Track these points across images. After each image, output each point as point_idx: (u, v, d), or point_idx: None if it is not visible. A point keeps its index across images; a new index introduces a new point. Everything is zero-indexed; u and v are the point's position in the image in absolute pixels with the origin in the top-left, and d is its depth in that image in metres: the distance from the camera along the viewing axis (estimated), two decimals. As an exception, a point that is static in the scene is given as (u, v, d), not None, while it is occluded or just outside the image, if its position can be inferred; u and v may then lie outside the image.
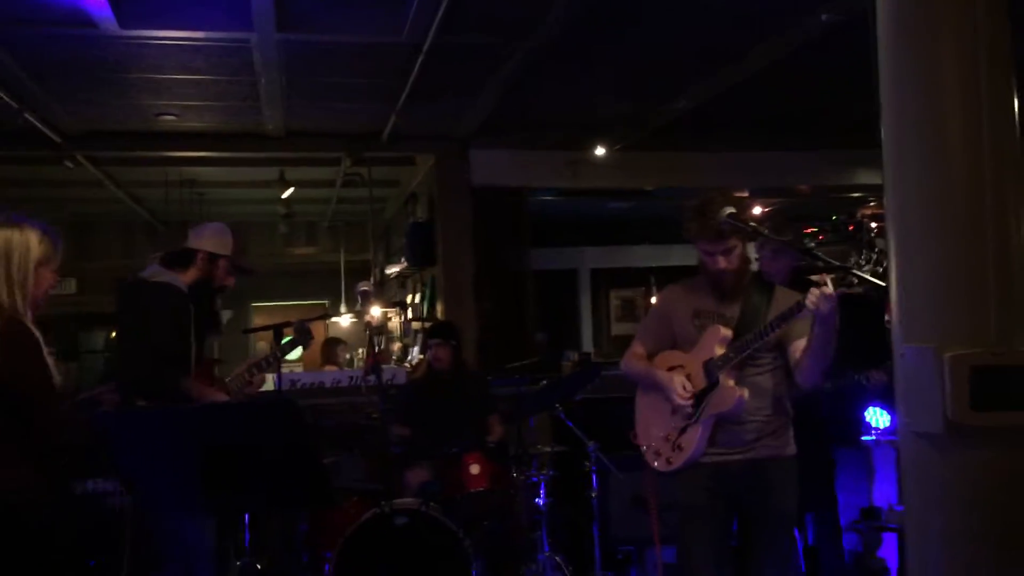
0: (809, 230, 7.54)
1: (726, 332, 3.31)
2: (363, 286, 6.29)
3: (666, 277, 8.53)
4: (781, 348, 3.33)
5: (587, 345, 12.28)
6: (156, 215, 11.29)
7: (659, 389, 3.43)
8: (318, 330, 7.86)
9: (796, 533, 4.01)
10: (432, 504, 4.38)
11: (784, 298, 3.31)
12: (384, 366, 5.67)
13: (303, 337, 4.44)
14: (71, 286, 11.67)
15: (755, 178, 8.51)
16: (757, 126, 8.02)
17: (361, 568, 4.22)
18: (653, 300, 11.57)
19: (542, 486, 4.83)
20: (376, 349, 5.10)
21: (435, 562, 4.27)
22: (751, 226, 3.30)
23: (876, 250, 2.86)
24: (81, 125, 7.11)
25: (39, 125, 6.72)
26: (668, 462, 3.42)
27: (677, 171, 8.49)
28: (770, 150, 8.39)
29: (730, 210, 3.19)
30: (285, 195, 9.63)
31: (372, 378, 4.90)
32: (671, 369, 3.41)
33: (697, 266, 3.46)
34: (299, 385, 6.64)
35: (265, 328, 4.54)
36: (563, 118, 7.49)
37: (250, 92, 6.33)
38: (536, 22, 5.05)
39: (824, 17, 4.97)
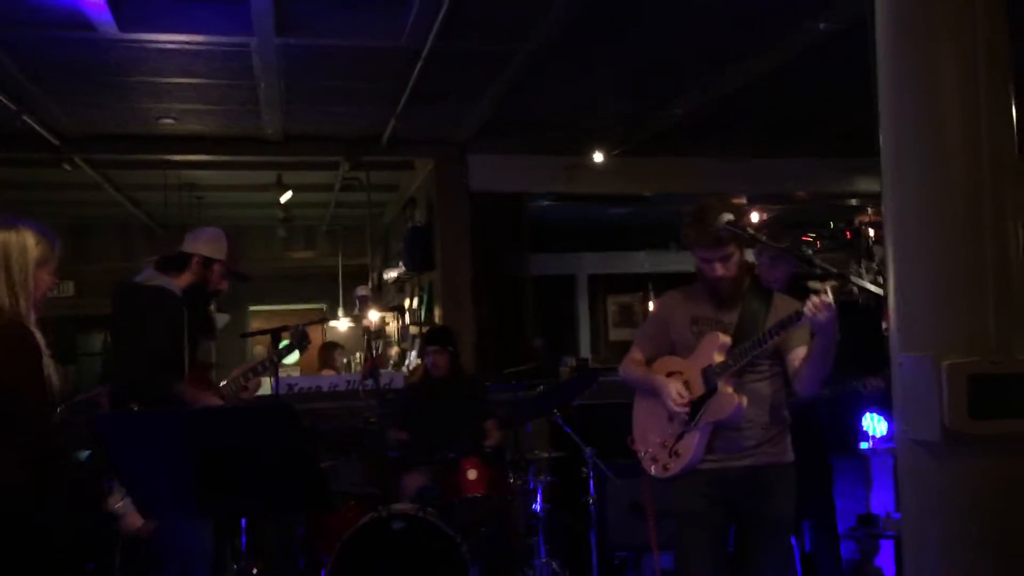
0: (807, 237, 7.56)
1: (725, 339, 3.31)
2: (361, 290, 6.30)
3: (664, 283, 8.52)
4: (779, 355, 3.33)
5: (585, 351, 12.28)
6: (155, 218, 11.29)
7: (657, 395, 3.43)
8: (316, 334, 7.87)
9: (793, 540, 4.00)
10: (429, 509, 4.38)
11: (783, 305, 3.32)
12: (382, 370, 5.66)
13: (300, 342, 4.43)
14: (69, 289, 11.66)
15: (753, 184, 8.53)
16: (756, 132, 8.03)
17: (358, 572, 4.22)
18: (651, 306, 11.59)
19: (539, 491, 4.82)
20: (374, 353, 5.10)
21: (432, 567, 4.27)
22: (749, 233, 3.30)
23: (877, 261, 2.87)
24: (80, 128, 7.11)
25: (38, 127, 6.72)
26: (665, 468, 3.41)
27: (675, 177, 8.49)
28: (768, 157, 8.40)
29: (728, 217, 3.19)
30: (284, 199, 9.62)
31: (370, 382, 4.90)
32: (669, 375, 3.41)
33: (695, 273, 3.46)
34: (296, 389, 6.64)
35: (263, 332, 4.54)
36: (562, 123, 7.49)
37: (249, 96, 6.34)
38: (535, 26, 5.06)
39: (822, 26, 4.99)
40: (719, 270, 3.30)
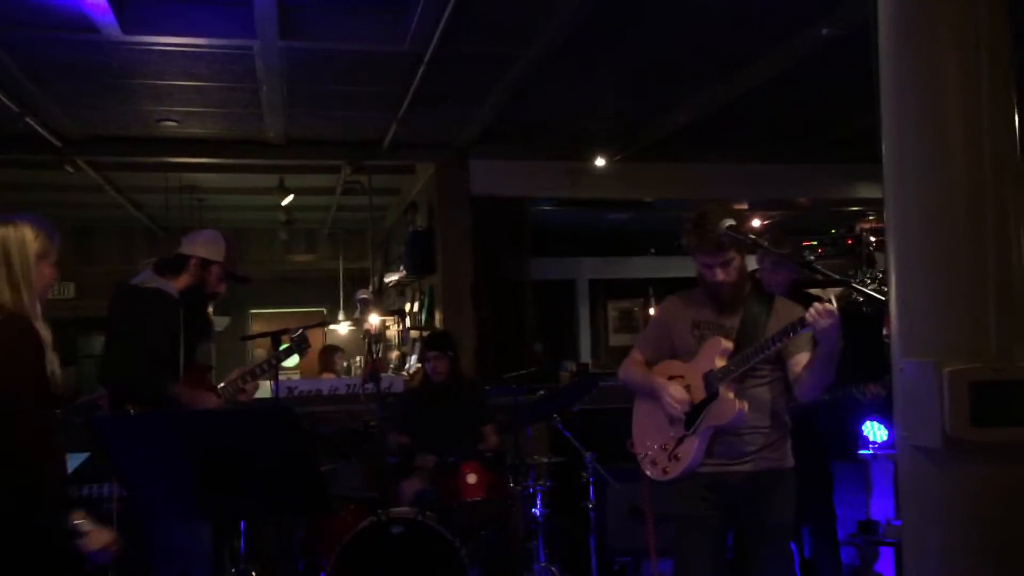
0: (808, 243, 7.56)
1: (727, 344, 3.31)
2: (362, 294, 6.29)
3: (664, 289, 8.53)
4: (781, 361, 3.33)
5: (585, 356, 12.27)
6: (156, 221, 11.30)
7: (656, 397, 3.43)
8: (316, 338, 7.86)
9: (793, 546, 4.00)
10: (428, 513, 4.37)
11: (785, 309, 3.32)
12: (382, 374, 5.66)
13: (300, 346, 4.43)
14: (70, 291, 11.67)
15: (754, 190, 8.53)
16: (757, 138, 8.04)
17: (357, 576, 4.21)
18: (651, 311, 11.59)
19: (539, 496, 4.82)
20: (374, 357, 5.10)
21: (431, 571, 4.26)
22: (750, 238, 3.30)
23: (881, 270, 2.86)
24: (82, 130, 7.12)
25: (40, 129, 6.73)
26: (664, 472, 3.41)
27: (676, 182, 8.50)
28: (770, 163, 8.41)
29: (729, 222, 3.19)
30: (285, 202, 9.63)
31: (371, 386, 4.89)
32: (671, 379, 3.41)
33: (696, 278, 3.46)
34: (297, 392, 6.64)
35: (263, 335, 4.53)
36: (563, 128, 7.50)
37: (252, 99, 6.34)
38: (538, 31, 5.07)
39: (824, 31, 4.99)
40: (720, 275, 3.30)
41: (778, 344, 3.18)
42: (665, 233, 10.45)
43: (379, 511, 4.29)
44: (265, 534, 5.11)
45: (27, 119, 6.38)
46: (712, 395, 3.28)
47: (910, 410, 2.35)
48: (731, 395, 3.26)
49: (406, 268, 8.96)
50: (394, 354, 10.62)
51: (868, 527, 5.29)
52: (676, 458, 3.37)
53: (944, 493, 2.28)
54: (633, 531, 4.76)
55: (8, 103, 6.02)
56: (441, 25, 4.82)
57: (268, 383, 4.64)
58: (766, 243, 3.57)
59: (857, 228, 7.72)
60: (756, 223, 7.87)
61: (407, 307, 9.97)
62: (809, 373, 3.19)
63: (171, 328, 3.93)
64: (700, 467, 3.33)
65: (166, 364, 3.89)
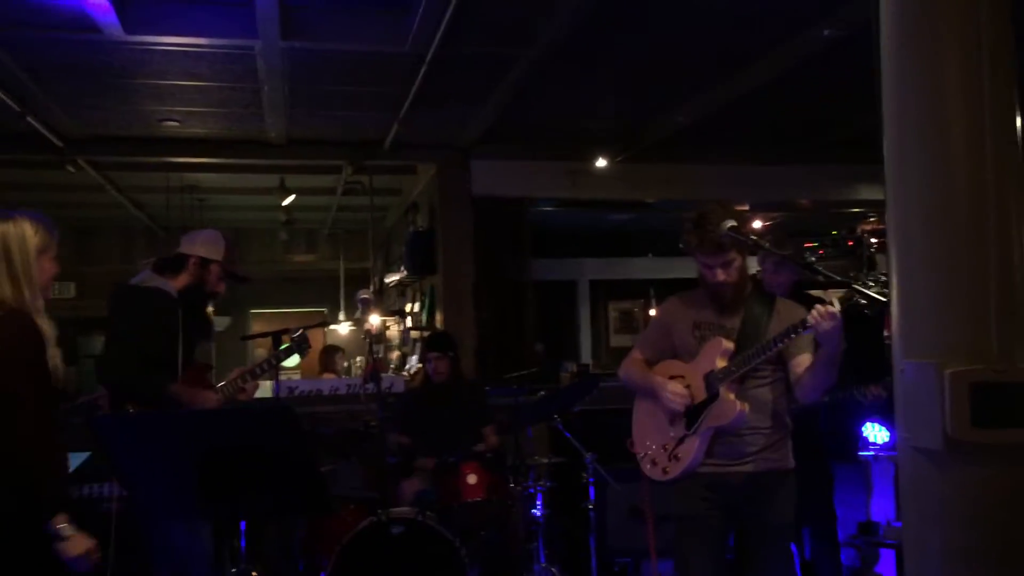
0: (809, 245, 7.56)
1: (728, 345, 3.30)
2: (363, 294, 6.30)
3: (665, 289, 8.52)
4: (782, 361, 3.32)
5: (585, 356, 12.27)
6: (157, 220, 11.30)
7: (656, 396, 3.42)
8: (316, 338, 7.86)
9: (793, 547, 4.00)
10: (428, 513, 4.37)
11: (786, 310, 3.31)
12: (382, 374, 5.66)
13: (300, 346, 4.43)
14: (71, 290, 11.67)
15: (755, 191, 8.53)
16: (758, 139, 8.04)
17: (357, 577, 4.21)
18: (652, 312, 11.59)
19: (539, 497, 4.82)
20: (374, 357, 5.10)
21: (431, 572, 4.26)
22: (751, 239, 3.29)
23: (882, 272, 2.86)
24: (83, 129, 7.12)
25: (41, 129, 6.74)
26: (664, 472, 3.40)
27: (677, 183, 8.50)
28: (771, 164, 8.41)
29: (730, 223, 3.18)
30: (286, 202, 9.64)
31: (371, 386, 4.89)
32: (671, 379, 3.40)
33: (697, 279, 3.46)
34: (297, 392, 6.64)
35: (263, 335, 4.53)
36: (564, 129, 7.51)
37: (253, 99, 6.35)
38: (539, 32, 5.07)
39: (826, 32, 4.99)
40: (721, 276, 3.30)
41: (780, 345, 3.18)
42: (666, 234, 10.43)
43: (379, 511, 4.29)
44: (265, 534, 5.11)
45: (28, 119, 6.39)
46: (713, 396, 3.28)
47: (911, 411, 2.35)
48: (732, 396, 3.26)
49: (407, 268, 8.96)
50: (395, 354, 10.62)
51: (869, 528, 5.29)
52: (676, 458, 3.36)
53: (945, 494, 2.28)
54: (633, 531, 4.75)
55: (9, 103, 6.03)
56: (442, 25, 4.83)
57: (269, 383, 4.64)
58: (767, 244, 3.57)
59: (858, 229, 7.73)
60: (757, 224, 7.88)
61: (408, 307, 9.97)
62: (811, 375, 3.19)
63: (170, 327, 3.93)
64: (700, 467, 3.32)
65: (165, 364, 3.89)
